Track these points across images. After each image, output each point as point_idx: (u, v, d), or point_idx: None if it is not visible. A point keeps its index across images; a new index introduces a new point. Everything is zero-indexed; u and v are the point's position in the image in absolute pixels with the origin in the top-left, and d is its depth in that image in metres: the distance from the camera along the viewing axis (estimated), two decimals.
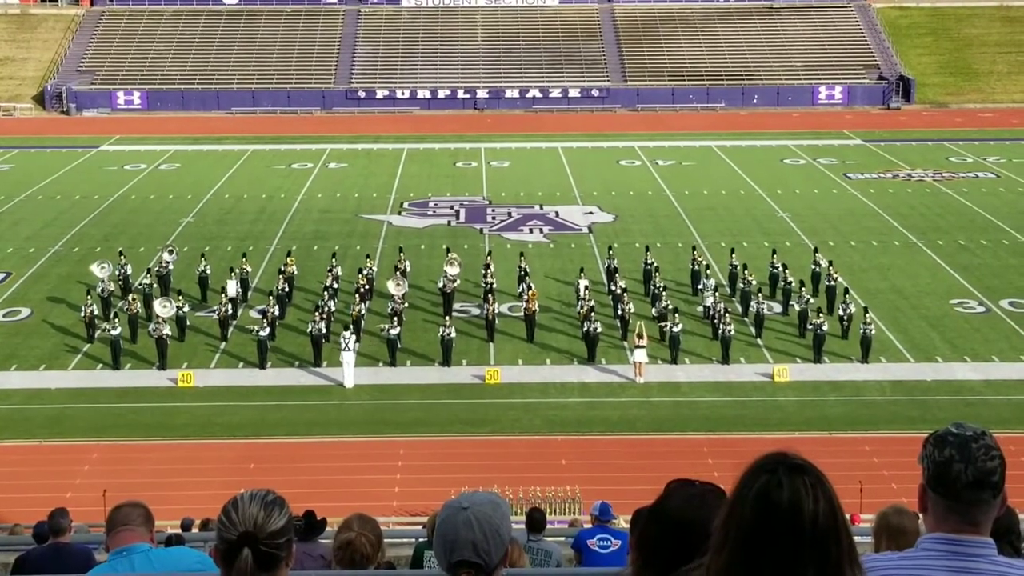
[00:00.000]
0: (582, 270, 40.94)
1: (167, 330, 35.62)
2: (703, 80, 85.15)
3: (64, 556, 10.15)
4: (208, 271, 41.24)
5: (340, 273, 41.35)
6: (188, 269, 42.90)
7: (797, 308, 37.86)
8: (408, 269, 41.67)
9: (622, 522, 17.75)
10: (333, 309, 37.79)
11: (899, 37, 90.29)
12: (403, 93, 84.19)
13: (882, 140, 70.63)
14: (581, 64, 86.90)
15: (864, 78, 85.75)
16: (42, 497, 24.12)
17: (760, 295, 38.43)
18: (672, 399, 33.32)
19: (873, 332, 35.62)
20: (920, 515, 3.80)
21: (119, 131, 74.91)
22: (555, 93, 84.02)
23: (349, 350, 34.01)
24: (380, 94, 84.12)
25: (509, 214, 53.52)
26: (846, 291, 38.92)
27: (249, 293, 41.28)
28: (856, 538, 3.12)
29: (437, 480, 26.93)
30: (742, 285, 39.73)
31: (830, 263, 40.90)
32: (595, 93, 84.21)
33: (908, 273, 43.93)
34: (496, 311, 37.98)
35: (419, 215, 53.69)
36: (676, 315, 36.11)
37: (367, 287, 39.89)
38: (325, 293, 38.87)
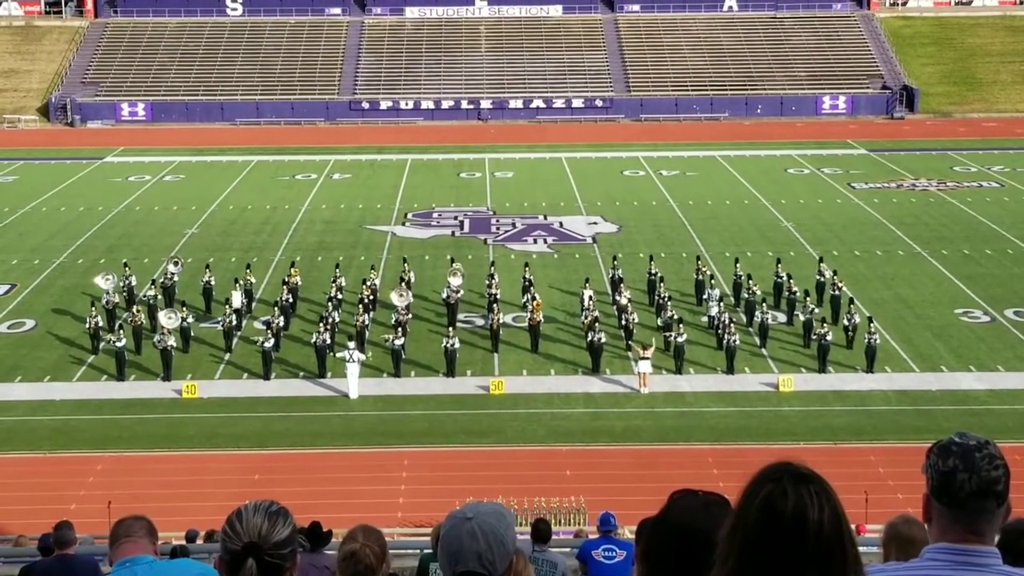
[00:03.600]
0: (587, 280, 40.94)
1: (172, 341, 35.63)
2: (707, 90, 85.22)
3: (71, 568, 10.12)
4: (212, 282, 41.26)
5: (344, 284, 41.34)
6: (192, 280, 42.94)
7: (802, 318, 37.84)
8: (412, 280, 41.67)
9: (627, 532, 17.74)
10: (337, 320, 37.81)
11: (903, 47, 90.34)
12: (407, 104, 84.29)
13: (886, 149, 70.60)
14: (585, 74, 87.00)
15: (868, 88, 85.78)
16: (47, 509, 24.16)
17: (764, 305, 38.38)
18: (677, 409, 33.27)
19: (878, 342, 35.58)
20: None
21: (123, 143, 75.04)
22: (559, 103, 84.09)
23: (353, 361, 34.01)
24: (384, 105, 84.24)
25: (513, 224, 53.54)
26: (851, 301, 38.89)
27: (253, 304, 41.31)
28: (861, 548, 3.12)
29: (441, 491, 26.90)
30: (746, 295, 39.72)
31: (834, 273, 40.87)
32: (599, 103, 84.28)
33: (912, 283, 43.89)
34: (500, 321, 37.96)
35: (423, 226, 53.72)
36: (680, 325, 36.09)
37: (371, 298, 39.91)
38: (329, 304, 38.90)
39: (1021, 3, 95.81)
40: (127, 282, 41.58)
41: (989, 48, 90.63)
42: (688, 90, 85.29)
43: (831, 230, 51.46)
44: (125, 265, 43.11)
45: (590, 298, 38.95)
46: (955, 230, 51.33)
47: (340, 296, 40.20)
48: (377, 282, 41.68)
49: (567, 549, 15.02)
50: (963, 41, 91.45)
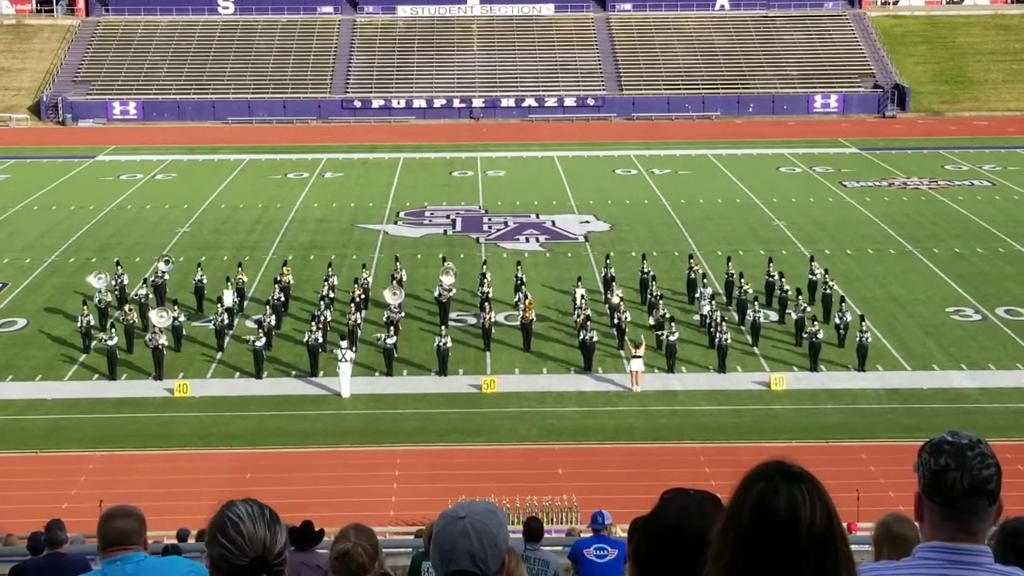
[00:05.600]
0: (579, 279, 40.93)
1: (163, 340, 35.59)
2: (699, 89, 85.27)
3: (61, 565, 10.11)
4: (204, 281, 41.22)
5: (336, 283, 41.32)
6: (184, 279, 42.86)
7: (794, 316, 37.88)
8: (404, 278, 41.65)
9: (619, 531, 17.73)
10: (329, 319, 37.78)
11: (894, 46, 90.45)
12: (399, 102, 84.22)
13: (878, 148, 70.71)
14: (577, 73, 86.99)
15: (859, 87, 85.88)
16: (38, 508, 24.09)
17: (756, 303, 38.43)
18: (669, 408, 33.30)
19: (869, 340, 35.63)
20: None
21: (115, 141, 74.89)
22: (551, 102, 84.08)
23: (345, 360, 33.99)
24: (376, 104, 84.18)
25: (505, 223, 53.53)
26: (842, 299, 38.93)
27: (245, 303, 41.27)
28: (853, 546, 3.12)
29: (434, 490, 26.92)
30: (738, 294, 39.75)
31: (826, 271, 40.91)
32: (591, 102, 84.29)
33: (904, 281, 43.96)
34: (492, 320, 37.96)
35: (415, 224, 53.69)
36: (673, 324, 36.11)
37: (363, 297, 39.87)
38: (321, 303, 38.87)
39: (1013, 2, 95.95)
40: (119, 281, 41.51)
41: (980, 47, 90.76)
42: (680, 89, 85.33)
43: (823, 229, 51.52)
44: (117, 264, 43.03)
45: (582, 297, 38.95)
46: (946, 229, 51.42)
47: (332, 295, 40.17)
48: (369, 281, 41.66)
49: (559, 548, 15.02)
50: (954, 40, 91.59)
